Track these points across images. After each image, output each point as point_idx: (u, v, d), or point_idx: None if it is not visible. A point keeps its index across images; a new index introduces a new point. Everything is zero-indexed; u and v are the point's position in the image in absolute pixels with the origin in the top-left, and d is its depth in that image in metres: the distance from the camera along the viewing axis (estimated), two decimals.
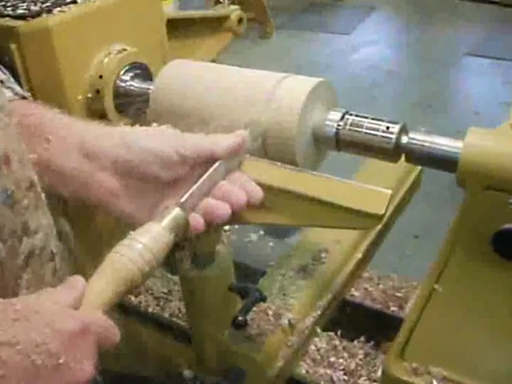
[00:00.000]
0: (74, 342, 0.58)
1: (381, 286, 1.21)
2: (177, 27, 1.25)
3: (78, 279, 0.63)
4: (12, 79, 0.85)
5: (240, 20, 1.39)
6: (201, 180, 0.76)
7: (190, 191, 0.75)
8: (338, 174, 0.79)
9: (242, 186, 0.77)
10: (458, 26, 5.72)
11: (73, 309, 0.60)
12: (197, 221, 0.74)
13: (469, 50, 5.25)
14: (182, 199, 0.74)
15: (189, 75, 0.97)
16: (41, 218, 0.68)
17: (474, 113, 4.30)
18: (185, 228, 0.74)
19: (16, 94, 0.81)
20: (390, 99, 4.67)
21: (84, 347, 0.59)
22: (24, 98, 0.82)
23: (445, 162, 0.82)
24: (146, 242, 0.67)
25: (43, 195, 0.71)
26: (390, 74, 5.03)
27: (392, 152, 0.85)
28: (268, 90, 0.88)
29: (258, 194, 0.77)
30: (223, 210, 0.75)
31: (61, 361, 0.56)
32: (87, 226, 1.13)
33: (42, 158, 0.74)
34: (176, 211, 0.72)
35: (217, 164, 0.77)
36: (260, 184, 0.79)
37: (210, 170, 0.76)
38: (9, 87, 0.81)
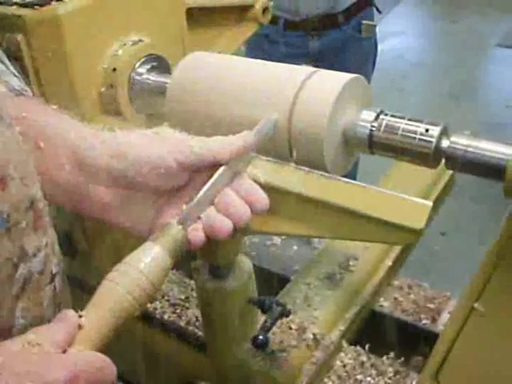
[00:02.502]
0: None
1: (412, 296, 1.12)
2: (198, 16, 1.17)
3: (70, 313, 0.57)
4: (12, 69, 0.78)
5: (265, 9, 1.31)
6: (202, 190, 0.69)
7: (191, 204, 0.68)
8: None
9: (246, 194, 0.70)
10: (488, 16, 5.60)
11: (64, 348, 0.54)
12: (196, 235, 0.67)
13: (500, 40, 5.13)
14: (182, 215, 0.67)
15: (208, 69, 0.90)
16: (41, 237, 0.62)
17: (505, 106, 4.19)
18: (185, 246, 0.67)
19: (12, 89, 0.74)
20: (418, 90, 4.58)
21: None
22: (20, 93, 0.75)
23: (490, 170, 0.73)
24: (142, 268, 0.61)
25: (46, 210, 0.64)
26: (417, 65, 4.93)
27: (431, 157, 0.77)
28: (295, 87, 0.80)
29: (264, 202, 0.70)
30: (224, 226, 0.68)
31: None
32: (106, 240, 1.08)
33: (35, 167, 0.67)
34: (175, 229, 0.66)
35: (220, 170, 0.69)
36: (276, 188, 0.73)
37: (214, 177, 0.69)
38: (4, 81, 0.74)
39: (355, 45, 2.29)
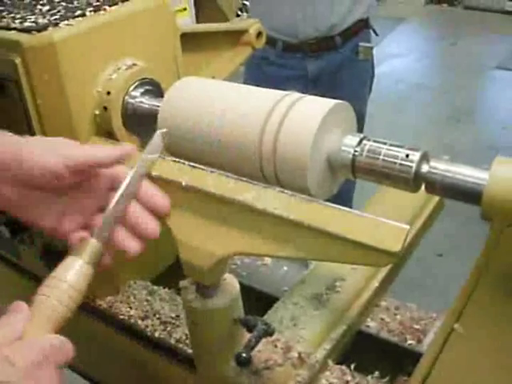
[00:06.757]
0: (35, 375, 0.57)
1: (398, 317, 1.14)
2: (192, 41, 1.20)
3: (22, 304, 0.66)
4: None
5: (259, 33, 1.34)
6: (111, 204, 0.80)
7: (103, 218, 0.79)
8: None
9: (148, 202, 0.82)
10: (487, 38, 5.65)
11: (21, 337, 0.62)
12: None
13: (499, 63, 5.17)
14: (96, 229, 0.79)
15: (198, 95, 0.92)
16: None
17: (501, 127, 4.22)
18: (100, 256, 0.78)
19: None
20: (417, 112, 4.62)
21: (47, 377, 0.59)
22: None
23: (468, 195, 0.75)
24: (70, 281, 0.72)
25: None
26: (417, 86, 4.97)
27: (411, 182, 0.79)
28: (280, 113, 0.83)
29: (164, 206, 0.83)
30: (133, 247, 0.81)
31: None
32: None
33: None
34: (92, 243, 0.78)
35: (127, 180, 0.81)
36: (258, 210, 0.75)
37: (122, 187, 0.80)
38: None
39: (352, 67, 2.33)
